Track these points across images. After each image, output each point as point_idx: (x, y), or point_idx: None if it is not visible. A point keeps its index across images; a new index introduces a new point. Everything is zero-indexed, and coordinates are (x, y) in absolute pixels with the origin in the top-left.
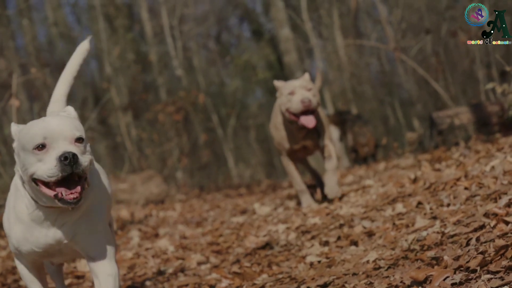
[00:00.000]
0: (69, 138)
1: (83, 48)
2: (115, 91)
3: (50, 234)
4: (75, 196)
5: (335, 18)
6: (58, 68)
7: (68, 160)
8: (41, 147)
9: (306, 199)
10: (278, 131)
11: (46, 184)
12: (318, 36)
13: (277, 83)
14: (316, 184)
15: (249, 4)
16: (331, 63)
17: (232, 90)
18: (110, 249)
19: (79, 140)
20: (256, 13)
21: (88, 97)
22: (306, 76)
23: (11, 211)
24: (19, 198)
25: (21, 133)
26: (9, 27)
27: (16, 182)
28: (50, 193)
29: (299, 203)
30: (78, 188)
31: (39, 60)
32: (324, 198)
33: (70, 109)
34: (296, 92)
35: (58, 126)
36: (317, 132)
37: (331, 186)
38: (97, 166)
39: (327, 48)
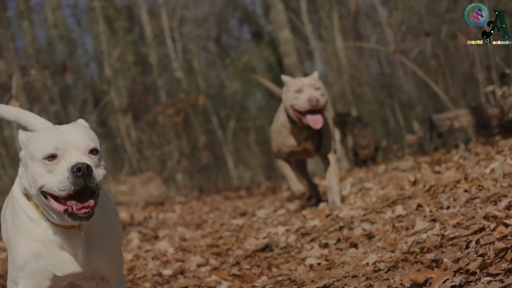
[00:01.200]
0: (83, 148)
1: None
2: (115, 93)
3: (71, 259)
4: (87, 211)
5: (335, 20)
6: (57, 70)
7: (81, 171)
8: (52, 157)
9: (296, 185)
10: (279, 133)
11: (56, 198)
12: (318, 38)
13: (285, 78)
14: (311, 193)
15: (249, 6)
16: (331, 65)
17: (232, 92)
18: (122, 272)
19: (93, 151)
20: (256, 15)
21: (88, 99)
22: (315, 74)
23: (16, 226)
24: (19, 211)
25: (30, 141)
26: (9, 29)
27: (16, 195)
28: (60, 207)
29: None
30: (91, 202)
31: (39, 62)
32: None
33: (82, 122)
34: (304, 90)
35: (72, 135)
36: (321, 135)
37: (332, 196)
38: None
39: (327, 50)
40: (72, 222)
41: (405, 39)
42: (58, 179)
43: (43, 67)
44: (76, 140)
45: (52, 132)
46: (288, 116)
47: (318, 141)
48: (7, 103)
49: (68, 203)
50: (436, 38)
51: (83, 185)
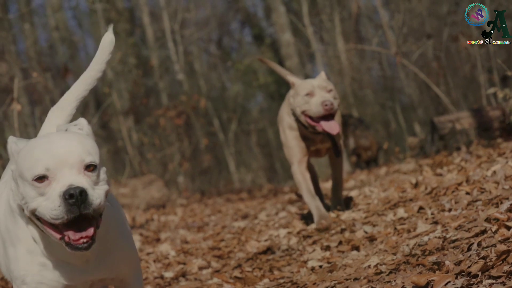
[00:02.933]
0: (77, 165)
1: (107, 41)
2: (117, 96)
3: (75, 270)
4: (85, 241)
5: (337, 23)
6: (59, 73)
7: (74, 198)
8: (43, 178)
9: (318, 211)
10: (287, 134)
11: (52, 224)
12: (319, 41)
13: (292, 80)
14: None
15: (251, 8)
16: (332, 67)
17: (233, 94)
18: (138, 268)
19: (89, 167)
20: (258, 17)
21: (89, 102)
22: (323, 75)
23: (15, 241)
24: (19, 224)
25: (20, 156)
26: (10, 32)
27: (13, 205)
28: (56, 235)
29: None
30: (90, 231)
31: (41, 64)
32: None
33: (83, 122)
34: (315, 93)
35: (64, 149)
36: (333, 137)
37: (335, 201)
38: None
39: (328, 53)
40: (70, 251)
41: (407, 41)
42: (49, 205)
43: (44, 69)
44: (69, 156)
45: (42, 147)
46: (296, 120)
47: (333, 143)
48: (8, 105)
49: (65, 232)
50: (438, 40)
51: (77, 214)
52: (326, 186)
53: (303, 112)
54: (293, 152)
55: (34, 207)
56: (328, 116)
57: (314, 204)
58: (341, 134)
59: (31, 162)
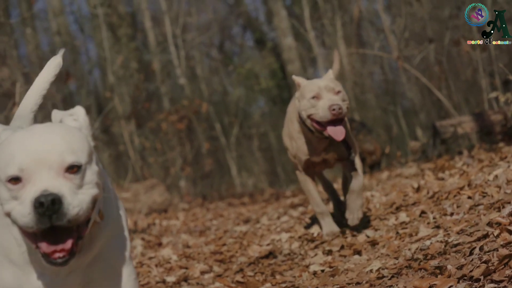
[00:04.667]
0: (56, 166)
1: (54, 63)
2: (118, 100)
3: (55, 283)
4: (61, 255)
5: (338, 27)
6: (61, 77)
7: (44, 207)
8: (16, 180)
9: (328, 224)
10: (293, 141)
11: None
12: (321, 45)
13: (298, 80)
14: (330, 200)
15: (252, 13)
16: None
17: (235, 98)
18: None
19: (72, 168)
20: (259, 22)
21: (91, 106)
22: (331, 73)
23: None
24: (4, 229)
25: None
26: (12, 36)
27: None
28: (32, 244)
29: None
30: (68, 243)
31: (42, 69)
32: (341, 221)
33: (79, 112)
34: (322, 95)
35: (43, 147)
36: (343, 144)
37: (353, 211)
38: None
39: (330, 57)
40: (46, 265)
41: (408, 45)
42: (21, 211)
43: None
44: (47, 154)
45: (19, 143)
46: (303, 123)
47: (340, 150)
48: (10, 110)
49: (39, 242)
50: (439, 44)
51: (48, 225)
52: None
53: (309, 116)
54: (298, 161)
55: (8, 210)
56: (336, 120)
57: (325, 217)
58: (354, 142)
59: (6, 160)
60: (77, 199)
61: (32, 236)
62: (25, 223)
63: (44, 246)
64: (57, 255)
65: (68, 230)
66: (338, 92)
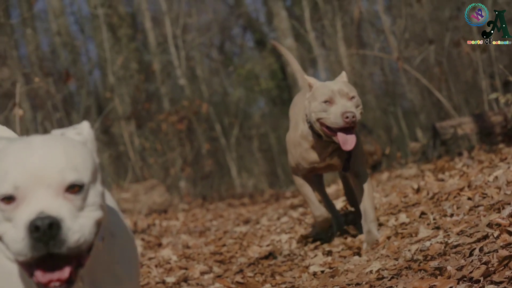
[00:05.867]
0: (55, 185)
1: None
2: (118, 101)
3: None
4: (57, 285)
5: (338, 28)
6: (61, 78)
7: (40, 232)
8: (9, 199)
9: (324, 223)
10: (298, 145)
11: None
12: (321, 46)
13: (310, 80)
14: (322, 201)
15: (253, 13)
16: (334, 72)
17: (235, 99)
18: None
19: (73, 188)
20: (260, 22)
21: (91, 106)
22: (344, 76)
23: None
24: None
25: None
26: (12, 37)
27: None
28: (26, 272)
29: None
30: (65, 272)
31: (42, 69)
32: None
33: (84, 126)
34: (335, 100)
35: (41, 162)
36: (347, 153)
37: (369, 227)
38: (111, 202)
39: (330, 58)
40: None
41: (409, 46)
42: (14, 236)
43: (46, 74)
44: (46, 171)
45: (14, 157)
46: (311, 127)
47: (347, 157)
48: (10, 110)
49: (34, 270)
50: (440, 45)
51: (44, 253)
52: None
53: (319, 120)
54: (300, 168)
55: (1, 233)
56: (348, 128)
57: (323, 219)
58: (362, 147)
59: None
60: (78, 224)
61: (26, 263)
62: (18, 249)
63: (39, 275)
64: (53, 284)
65: (67, 257)
66: (352, 97)
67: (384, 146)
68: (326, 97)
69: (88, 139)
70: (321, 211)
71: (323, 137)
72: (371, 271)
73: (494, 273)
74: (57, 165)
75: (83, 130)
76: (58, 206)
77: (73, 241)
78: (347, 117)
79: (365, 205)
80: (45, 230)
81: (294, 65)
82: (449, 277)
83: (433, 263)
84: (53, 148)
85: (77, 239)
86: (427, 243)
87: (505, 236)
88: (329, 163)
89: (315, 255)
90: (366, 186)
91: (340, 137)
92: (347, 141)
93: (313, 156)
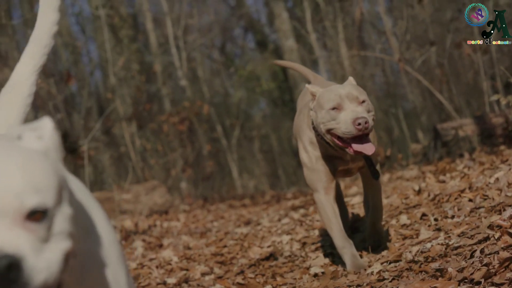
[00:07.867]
0: (12, 212)
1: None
2: (119, 102)
3: None
4: None
5: (340, 29)
6: (62, 78)
7: None
8: None
9: (353, 259)
10: (311, 156)
11: None
12: (322, 47)
13: (312, 89)
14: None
15: (254, 15)
16: (335, 74)
17: (236, 100)
18: None
19: (34, 215)
20: (261, 24)
21: (92, 107)
22: (352, 80)
23: None
24: None
25: None
26: (14, 37)
27: None
28: None
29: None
30: None
31: (44, 70)
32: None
33: (45, 126)
34: (344, 106)
35: None
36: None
37: (373, 235)
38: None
39: (331, 59)
40: None
41: (410, 48)
42: None
43: (47, 75)
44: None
45: None
46: (319, 135)
47: (369, 163)
48: None
49: None
50: (441, 47)
51: None
52: None
53: (329, 131)
54: (317, 177)
55: None
56: (362, 136)
57: (349, 252)
58: (378, 152)
59: None
60: (43, 260)
61: None
62: None
63: None
64: None
65: None
66: (363, 101)
67: (385, 147)
68: (334, 104)
69: (50, 146)
70: (343, 241)
71: (334, 147)
72: (372, 273)
73: (495, 274)
74: (13, 188)
75: (45, 133)
76: (16, 240)
77: (38, 283)
78: (359, 124)
79: (376, 206)
80: (2, 274)
81: (302, 70)
82: (450, 279)
83: (434, 265)
84: (6, 164)
85: (43, 279)
86: (428, 245)
87: (506, 238)
88: (347, 167)
89: (316, 257)
90: (377, 187)
91: (356, 148)
92: (366, 148)
93: (331, 164)
